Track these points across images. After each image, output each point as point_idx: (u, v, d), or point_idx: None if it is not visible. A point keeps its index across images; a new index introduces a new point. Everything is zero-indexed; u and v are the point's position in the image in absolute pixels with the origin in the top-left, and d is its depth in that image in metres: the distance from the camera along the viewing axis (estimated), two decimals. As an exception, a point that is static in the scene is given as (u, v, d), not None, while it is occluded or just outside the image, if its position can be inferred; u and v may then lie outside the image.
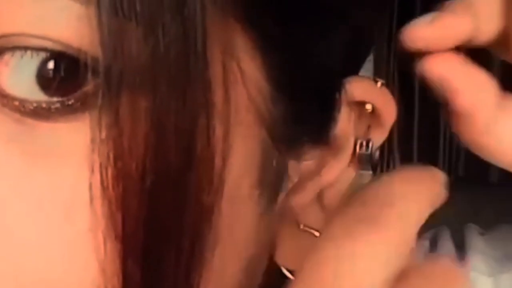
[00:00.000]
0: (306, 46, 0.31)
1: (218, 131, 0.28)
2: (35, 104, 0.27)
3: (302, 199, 0.34)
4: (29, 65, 0.27)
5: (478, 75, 0.28)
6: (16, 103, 0.27)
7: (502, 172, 0.32)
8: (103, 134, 0.26)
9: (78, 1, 0.26)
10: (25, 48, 0.27)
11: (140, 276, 0.27)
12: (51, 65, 0.27)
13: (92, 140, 0.26)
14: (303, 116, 0.32)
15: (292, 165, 0.33)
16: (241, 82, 0.29)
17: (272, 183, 0.32)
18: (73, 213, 0.27)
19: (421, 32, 0.28)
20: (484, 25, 0.29)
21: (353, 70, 0.36)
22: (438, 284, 0.26)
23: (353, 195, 0.28)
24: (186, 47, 0.26)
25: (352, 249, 0.26)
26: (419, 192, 0.28)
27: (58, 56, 0.27)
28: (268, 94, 0.31)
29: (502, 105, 0.29)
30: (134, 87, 0.26)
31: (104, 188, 0.27)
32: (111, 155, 0.26)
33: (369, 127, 0.35)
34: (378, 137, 0.35)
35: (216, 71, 0.28)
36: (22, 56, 0.27)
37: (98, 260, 0.27)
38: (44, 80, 0.27)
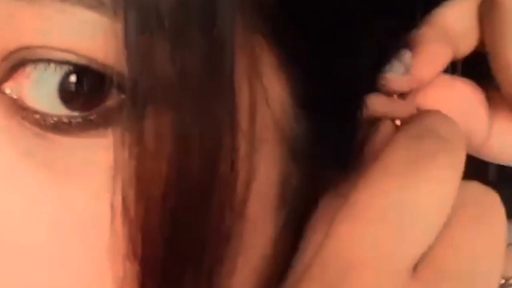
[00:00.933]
0: (330, 63, 0.31)
1: (242, 151, 0.27)
2: (55, 118, 0.26)
3: None
4: (51, 78, 0.27)
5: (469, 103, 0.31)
6: (37, 116, 0.27)
7: (500, 170, 0.34)
8: (126, 152, 0.26)
9: (105, 15, 0.25)
10: (48, 61, 0.26)
11: None
12: (73, 78, 0.27)
13: (115, 158, 0.26)
14: (324, 135, 0.32)
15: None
16: (266, 99, 0.29)
17: (291, 202, 0.32)
18: (91, 232, 0.27)
19: (405, 81, 0.32)
20: (462, 43, 0.31)
21: (375, 87, 0.36)
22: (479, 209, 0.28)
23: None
24: (214, 65, 0.26)
25: (416, 178, 0.27)
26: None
27: (81, 70, 0.26)
28: (291, 112, 0.30)
29: (492, 117, 0.32)
30: (159, 104, 0.25)
31: (125, 208, 0.26)
32: (134, 174, 0.26)
33: None
34: None
35: (242, 89, 0.27)
36: (45, 69, 0.26)
37: (115, 281, 0.27)
38: (66, 94, 0.27)
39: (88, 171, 0.27)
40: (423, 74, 0.32)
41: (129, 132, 0.26)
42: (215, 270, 0.27)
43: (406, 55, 0.32)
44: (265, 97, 0.29)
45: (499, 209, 0.28)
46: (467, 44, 0.32)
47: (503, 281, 0.28)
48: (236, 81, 0.26)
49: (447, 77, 0.33)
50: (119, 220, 0.26)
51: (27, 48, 0.26)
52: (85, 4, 0.25)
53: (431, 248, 0.27)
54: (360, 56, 0.32)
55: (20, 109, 0.27)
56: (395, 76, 0.32)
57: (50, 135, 0.27)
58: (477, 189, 0.29)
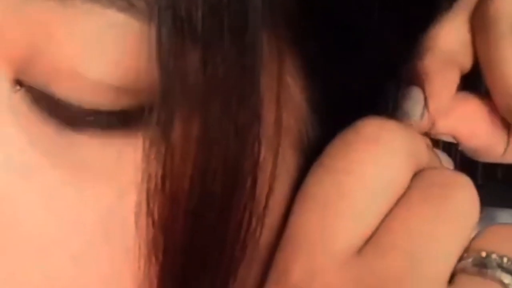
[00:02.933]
0: (345, 71, 0.31)
1: (266, 157, 0.28)
2: (77, 120, 0.27)
3: None
4: None
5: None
6: (60, 116, 0.27)
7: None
8: (152, 154, 0.26)
9: (137, 18, 0.25)
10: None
11: None
12: None
13: (142, 159, 0.26)
14: None
15: None
16: (287, 106, 0.29)
17: None
18: (113, 231, 0.27)
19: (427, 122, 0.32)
20: (463, 60, 0.32)
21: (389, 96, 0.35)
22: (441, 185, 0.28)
23: None
24: (243, 71, 0.26)
25: (359, 162, 0.29)
26: None
27: None
28: (308, 118, 0.31)
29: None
30: (188, 108, 0.26)
31: (149, 208, 0.26)
32: (159, 175, 0.26)
33: None
34: None
35: (267, 96, 0.28)
36: None
37: (134, 282, 0.27)
38: None
39: (111, 170, 0.27)
40: (442, 103, 0.32)
41: (156, 134, 0.26)
42: (233, 273, 0.28)
43: (415, 91, 0.32)
44: (287, 103, 0.29)
45: (464, 191, 0.28)
46: (468, 60, 0.33)
47: (484, 254, 0.27)
48: (263, 86, 0.27)
49: (460, 95, 0.33)
50: (142, 220, 0.26)
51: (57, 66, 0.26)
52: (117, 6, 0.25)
53: (377, 228, 0.28)
54: (373, 67, 0.32)
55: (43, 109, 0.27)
56: (415, 121, 0.32)
57: (72, 135, 0.27)
58: (441, 173, 0.29)
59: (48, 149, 0.27)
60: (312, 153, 0.30)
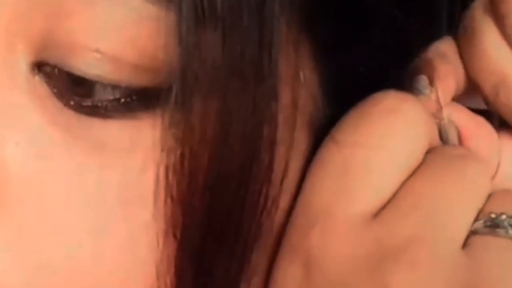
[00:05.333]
0: (356, 56, 0.32)
1: (282, 138, 0.28)
2: (89, 103, 0.27)
3: None
4: None
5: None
6: (78, 98, 0.27)
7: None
8: (172, 134, 0.26)
9: (157, 2, 0.26)
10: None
11: (193, 277, 0.28)
12: None
13: (160, 137, 0.27)
14: None
15: None
16: (300, 88, 0.30)
17: None
18: (131, 209, 0.27)
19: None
20: (458, 73, 0.32)
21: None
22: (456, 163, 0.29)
23: None
24: (261, 50, 0.27)
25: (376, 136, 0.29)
26: None
27: None
28: (319, 101, 0.31)
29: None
30: (206, 91, 0.26)
31: (167, 186, 0.27)
32: (178, 153, 0.26)
33: None
34: None
35: (283, 78, 0.28)
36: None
37: (152, 258, 0.27)
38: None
39: (130, 148, 0.27)
40: (448, 87, 0.32)
41: (175, 113, 0.26)
42: (247, 253, 0.28)
43: (422, 79, 0.33)
44: (301, 86, 0.30)
45: (478, 163, 0.30)
46: (461, 74, 0.33)
47: (494, 215, 0.28)
48: (279, 67, 0.27)
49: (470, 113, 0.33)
50: (161, 197, 0.27)
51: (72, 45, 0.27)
52: None
53: (395, 194, 0.29)
54: (382, 51, 0.33)
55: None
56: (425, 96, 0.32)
57: (91, 118, 0.27)
58: (456, 147, 0.31)
59: (68, 128, 0.27)
60: (322, 136, 0.31)
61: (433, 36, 0.34)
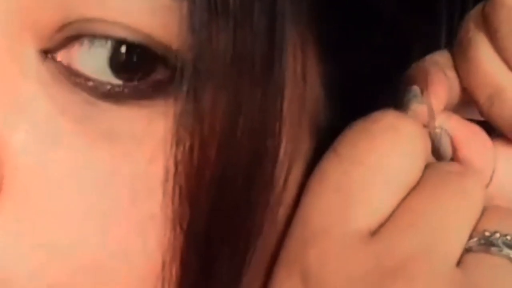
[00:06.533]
0: (357, 55, 0.32)
1: (287, 135, 0.29)
2: (108, 86, 0.27)
3: None
4: (102, 48, 0.27)
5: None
6: (90, 83, 0.27)
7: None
8: (182, 123, 0.27)
9: None
10: (106, 37, 0.27)
11: (197, 268, 0.28)
12: (124, 49, 0.27)
13: (171, 128, 0.27)
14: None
15: None
16: (306, 88, 0.31)
17: None
18: (139, 198, 0.27)
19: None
20: (452, 83, 0.33)
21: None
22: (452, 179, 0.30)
23: None
24: (271, 49, 0.27)
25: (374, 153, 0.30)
26: None
27: (135, 43, 0.27)
28: (322, 101, 0.32)
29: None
30: (217, 82, 0.27)
31: (176, 176, 0.27)
32: (187, 145, 0.27)
33: None
34: None
35: (289, 76, 0.29)
36: (100, 43, 0.27)
37: (159, 248, 0.28)
38: (116, 64, 0.27)
39: (140, 138, 0.28)
40: (440, 96, 0.32)
41: (186, 104, 0.27)
42: (252, 244, 0.29)
43: (414, 88, 0.33)
44: (306, 85, 0.30)
45: (474, 179, 0.30)
46: (457, 86, 0.33)
47: (488, 233, 0.29)
48: (287, 64, 0.28)
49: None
50: (169, 187, 0.27)
51: (87, 20, 0.27)
52: None
53: (393, 212, 0.29)
54: (383, 52, 0.33)
55: (73, 76, 0.27)
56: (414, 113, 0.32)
57: (101, 103, 0.27)
58: (452, 164, 0.31)
59: (77, 117, 0.27)
60: (324, 137, 0.32)
61: (432, 37, 0.35)
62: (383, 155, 0.30)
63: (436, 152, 0.32)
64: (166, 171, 0.27)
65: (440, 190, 0.29)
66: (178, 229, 0.27)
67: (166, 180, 0.27)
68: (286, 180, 0.30)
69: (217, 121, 0.27)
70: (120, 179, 0.28)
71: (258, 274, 0.30)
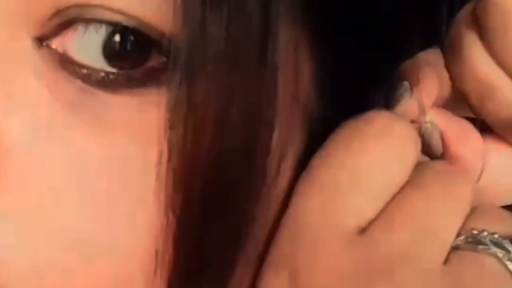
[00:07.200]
0: (348, 50, 0.32)
1: (281, 122, 0.29)
2: (103, 74, 0.28)
3: None
4: (96, 36, 0.28)
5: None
6: (84, 71, 0.28)
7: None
8: (175, 111, 0.27)
9: None
10: (100, 22, 0.27)
11: (189, 254, 0.28)
12: (118, 38, 0.28)
13: (164, 116, 0.27)
14: (338, 119, 0.32)
15: None
16: (298, 79, 0.31)
17: None
18: (132, 185, 0.28)
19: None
20: (443, 79, 0.33)
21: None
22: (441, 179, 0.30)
23: None
24: (264, 38, 0.28)
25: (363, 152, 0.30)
26: None
27: (126, 30, 0.27)
28: (313, 92, 0.32)
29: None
30: (210, 69, 0.27)
31: (170, 164, 0.27)
32: (181, 132, 0.27)
33: None
34: None
35: (282, 69, 0.29)
36: (94, 28, 0.27)
37: (151, 234, 0.28)
38: (109, 52, 0.28)
39: (134, 125, 0.28)
40: (431, 89, 0.33)
41: (180, 93, 0.27)
42: (244, 232, 0.29)
43: (404, 84, 0.33)
44: (298, 80, 0.31)
45: (463, 178, 0.31)
46: (448, 86, 0.33)
47: (475, 232, 0.29)
48: (280, 57, 0.28)
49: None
50: (162, 174, 0.27)
51: (81, 6, 0.27)
52: None
53: (383, 213, 0.29)
54: (375, 46, 0.33)
55: (68, 63, 0.28)
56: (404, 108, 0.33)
57: (95, 91, 0.28)
58: (442, 163, 0.32)
59: (71, 104, 0.28)
60: (316, 128, 0.32)
61: (433, 34, 0.35)
62: (373, 158, 0.30)
63: (426, 148, 0.32)
64: (160, 158, 0.27)
65: (428, 190, 0.30)
66: (170, 215, 0.28)
67: (159, 166, 0.27)
68: (278, 169, 0.30)
69: (210, 109, 0.27)
70: (114, 165, 0.28)
71: (248, 269, 0.31)
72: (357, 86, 0.33)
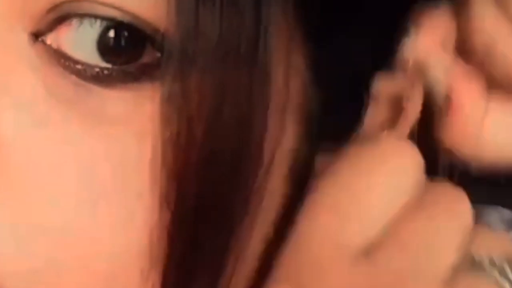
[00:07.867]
0: (342, 43, 0.33)
1: (274, 116, 0.30)
2: (97, 69, 0.28)
3: None
4: (90, 31, 0.28)
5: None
6: (79, 66, 0.28)
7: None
8: (169, 105, 0.27)
9: None
10: (95, 16, 0.28)
11: (184, 248, 0.28)
12: (112, 33, 0.28)
13: (158, 110, 0.27)
14: (333, 111, 0.33)
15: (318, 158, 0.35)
16: (292, 74, 0.31)
17: (300, 174, 0.33)
18: (126, 179, 0.28)
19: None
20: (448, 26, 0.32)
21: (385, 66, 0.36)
22: (442, 205, 0.30)
23: None
24: (257, 33, 0.28)
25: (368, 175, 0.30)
26: None
27: (120, 25, 0.28)
28: (308, 88, 0.32)
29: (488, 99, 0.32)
30: (204, 64, 0.27)
31: (164, 158, 0.27)
32: (175, 128, 0.27)
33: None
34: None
35: (277, 61, 0.29)
36: (89, 23, 0.28)
37: (146, 228, 0.28)
38: (104, 47, 0.28)
39: (128, 120, 0.28)
40: (438, 33, 0.32)
41: (173, 88, 0.27)
42: (237, 227, 0.29)
43: (411, 27, 0.32)
44: (292, 74, 0.31)
45: (464, 203, 0.30)
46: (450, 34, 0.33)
47: (476, 256, 0.29)
48: (273, 47, 0.28)
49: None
50: (157, 168, 0.27)
51: (76, 0, 0.27)
52: None
53: (386, 234, 0.30)
54: (369, 38, 0.33)
55: (62, 59, 0.28)
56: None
57: (90, 86, 0.28)
58: (444, 185, 0.31)
59: (66, 99, 0.28)
60: (310, 122, 0.32)
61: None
62: (377, 180, 0.30)
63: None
64: (154, 152, 0.28)
65: (431, 211, 0.30)
66: (165, 210, 0.28)
67: (153, 160, 0.28)
68: (271, 164, 0.30)
69: (203, 103, 0.27)
70: (107, 160, 0.28)
71: (244, 268, 0.31)
72: (352, 82, 0.33)
